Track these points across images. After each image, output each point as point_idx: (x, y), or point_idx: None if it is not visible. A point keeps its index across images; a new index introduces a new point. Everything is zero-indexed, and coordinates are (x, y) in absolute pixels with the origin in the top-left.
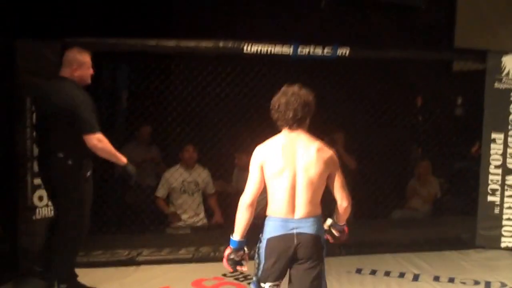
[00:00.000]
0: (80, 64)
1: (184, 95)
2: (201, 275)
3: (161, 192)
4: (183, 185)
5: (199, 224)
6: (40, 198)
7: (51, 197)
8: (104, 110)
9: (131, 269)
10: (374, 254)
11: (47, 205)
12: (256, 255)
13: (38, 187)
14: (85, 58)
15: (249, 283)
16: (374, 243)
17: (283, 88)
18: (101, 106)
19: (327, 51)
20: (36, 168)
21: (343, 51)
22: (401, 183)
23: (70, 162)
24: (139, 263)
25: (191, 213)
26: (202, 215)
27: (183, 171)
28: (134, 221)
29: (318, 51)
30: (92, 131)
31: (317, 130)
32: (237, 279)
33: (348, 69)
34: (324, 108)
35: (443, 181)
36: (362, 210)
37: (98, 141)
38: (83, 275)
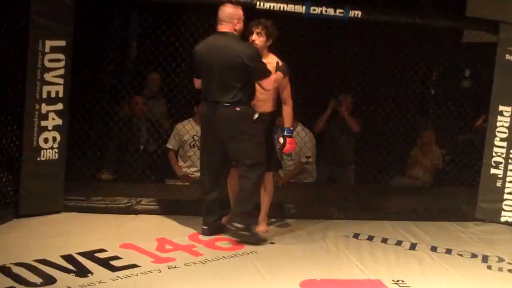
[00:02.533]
0: (239, 19)
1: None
2: (197, 228)
3: (172, 143)
4: (193, 139)
5: None
6: (46, 140)
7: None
8: (114, 58)
9: (130, 217)
10: (373, 220)
11: (51, 148)
12: None
13: (45, 128)
14: (241, 12)
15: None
16: (373, 209)
17: None
18: (111, 54)
19: (339, 11)
20: (43, 110)
21: (356, 13)
22: (404, 151)
23: (239, 109)
24: (137, 212)
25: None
26: None
27: (194, 125)
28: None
29: (330, 11)
30: (268, 75)
31: (325, 90)
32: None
33: (362, 32)
34: (334, 68)
35: (445, 152)
36: (363, 175)
37: (274, 82)
38: (82, 220)
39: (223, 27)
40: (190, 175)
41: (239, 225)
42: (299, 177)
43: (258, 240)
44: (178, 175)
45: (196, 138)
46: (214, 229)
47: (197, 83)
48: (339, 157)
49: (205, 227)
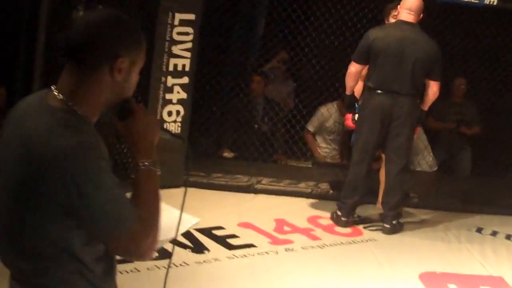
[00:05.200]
0: (422, 11)
1: (324, 28)
2: (317, 212)
3: (312, 125)
4: (334, 125)
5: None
6: (169, 113)
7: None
8: (241, 35)
9: (249, 196)
10: (497, 215)
11: (174, 121)
12: None
13: (169, 101)
14: None
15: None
16: (498, 203)
17: None
18: (238, 31)
19: None
20: (169, 83)
21: (491, 0)
22: None
23: (417, 102)
24: (257, 192)
25: (334, 153)
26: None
27: (336, 110)
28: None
29: None
30: (440, 79)
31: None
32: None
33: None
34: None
35: None
36: (486, 167)
37: (438, 89)
38: (201, 196)
39: (411, 18)
40: (325, 159)
41: (394, 222)
42: (424, 165)
43: (402, 228)
44: (316, 157)
45: (336, 124)
46: (353, 222)
47: (356, 68)
48: (452, 142)
49: (344, 219)
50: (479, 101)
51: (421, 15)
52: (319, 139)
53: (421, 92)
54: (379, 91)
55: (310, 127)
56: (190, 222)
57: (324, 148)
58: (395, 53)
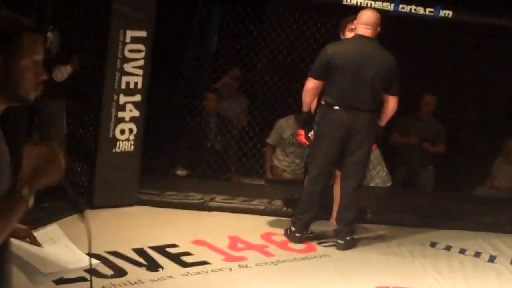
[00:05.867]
0: (379, 25)
1: (276, 43)
2: (271, 228)
3: (272, 138)
4: (293, 137)
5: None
6: (122, 131)
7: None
8: (193, 51)
9: (203, 213)
10: (451, 229)
11: (127, 139)
12: None
13: (121, 120)
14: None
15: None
16: (452, 217)
17: None
18: (191, 47)
19: (429, 11)
20: (121, 101)
21: (446, 12)
22: (489, 159)
23: (375, 118)
24: (211, 209)
25: (293, 167)
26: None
27: (294, 123)
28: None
29: (420, 10)
30: (398, 94)
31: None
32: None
33: (450, 33)
34: (418, 68)
35: None
36: (443, 182)
37: (396, 104)
38: (155, 214)
39: (368, 32)
40: (284, 173)
41: (348, 238)
42: (377, 180)
43: (356, 244)
44: (268, 173)
45: (294, 136)
46: (307, 238)
47: (314, 84)
48: (413, 158)
49: (298, 235)
50: (445, 118)
51: (378, 29)
52: (278, 152)
53: (380, 107)
54: (338, 107)
55: (270, 140)
56: (83, 262)
57: (283, 161)
58: (354, 68)
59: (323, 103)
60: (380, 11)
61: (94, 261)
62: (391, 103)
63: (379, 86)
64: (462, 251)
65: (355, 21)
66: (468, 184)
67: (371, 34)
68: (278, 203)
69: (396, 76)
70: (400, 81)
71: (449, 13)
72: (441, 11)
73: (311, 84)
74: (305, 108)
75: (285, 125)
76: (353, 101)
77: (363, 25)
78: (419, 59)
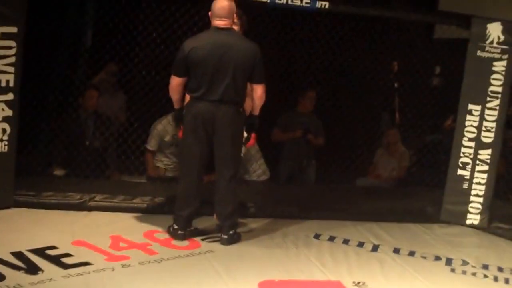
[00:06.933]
0: (235, 13)
1: (153, 37)
2: (153, 227)
3: (152, 144)
4: (173, 138)
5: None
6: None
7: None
8: (68, 47)
9: (82, 213)
10: (334, 220)
11: (1, 140)
12: None
13: None
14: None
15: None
16: (335, 209)
17: None
18: (65, 43)
19: (306, 2)
20: None
21: (323, 3)
22: (370, 150)
23: (240, 109)
24: (90, 209)
25: (175, 165)
26: None
27: (171, 124)
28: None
29: (297, 1)
30: (263, 81)
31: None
32: (191, 234)
33: (326, 24)
34: (298, 63)
35: (411, 153)
36: (325, 174)
37: (263, 92)
38: (32, 216)
39: (223, 23)
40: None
41: (231, 232)
42: (253, 174)
43: (240, 238)
44: (150, 177)
45: (175, 136)
46: (190, 234)
47: (177, 81)
48: (299, 152)
49: (180, 232)
50: (326, 112)
51: (235, 18)
52: (158, 154)
53: (242, 100)
54: (201, 101)
55: (149, 146)
56: None
57: (164, 162)
58: (213, 61)
59: (188, 98)
60: (256, 3)
61: None
62: (257, 91)
63: (241, 76)
64: (346, 242)
65: (210, 13)
66: (351, 176)
67: (227, 24)
68: (160, 200)
69: (258, 64)
70: (263, 69)
71: (325, 4)
72: (317, 2)
73: (174, 81)
74: (176, 106)
75: (163, 131)
76: (215, 93)
77: (217, 17)
78: (301, 53)
